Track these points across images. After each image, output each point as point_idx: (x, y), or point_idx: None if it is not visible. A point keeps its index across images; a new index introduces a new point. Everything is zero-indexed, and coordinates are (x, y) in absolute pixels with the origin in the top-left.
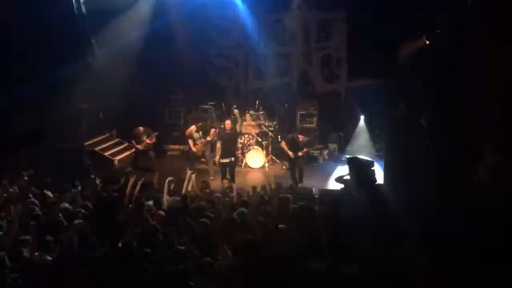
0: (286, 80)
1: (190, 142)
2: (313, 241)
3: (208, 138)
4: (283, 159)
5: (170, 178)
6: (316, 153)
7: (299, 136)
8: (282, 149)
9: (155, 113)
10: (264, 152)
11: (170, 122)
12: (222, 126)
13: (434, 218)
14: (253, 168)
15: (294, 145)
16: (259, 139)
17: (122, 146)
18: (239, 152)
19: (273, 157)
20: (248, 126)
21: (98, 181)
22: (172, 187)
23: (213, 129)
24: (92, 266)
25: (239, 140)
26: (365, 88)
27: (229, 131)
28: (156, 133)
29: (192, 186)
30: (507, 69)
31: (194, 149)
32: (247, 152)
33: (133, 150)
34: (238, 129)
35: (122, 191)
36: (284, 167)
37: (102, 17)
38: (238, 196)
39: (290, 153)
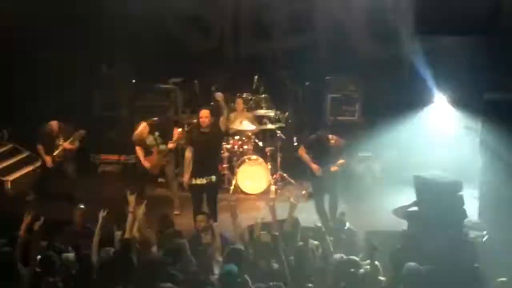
0: (307, 39)
1: (139, 149)
2: None
3: (171, 145)
4: (303, 177)
5: (104, 212)
6: (360, 167)
7: (331, 137)
8: (301, 160)
9: (78, 98)
10: (269, 166)
11: (103, 115)
12: (195, 121)
13: None
14: (250, 195)
15: (322, 153)
16: (260, 143)
17: (20, 157)
18: (224, 166)
19: (284, 175)
20: (241, 120)
21: None
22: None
23: (178, 128)
24: None
25: (225, 145)
26: (445, 50)
27: (207, 130)
28: (82, 131)
29: (141, 227)
30: None
31: (145, 162)
32: (238, 167)
33: (39, 163)
34: (223, 126)
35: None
36: (304, 192)
37: None
38: (222, 243)
39: (314, 167)
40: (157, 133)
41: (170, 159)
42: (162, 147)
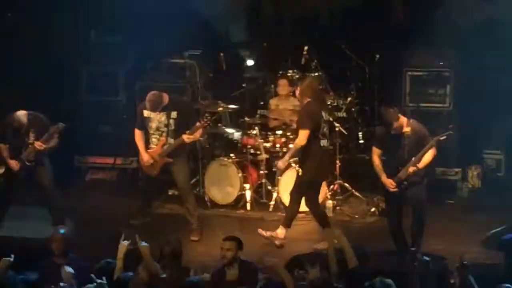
0: None
1: (139, 134)
2: None
3: (186, 136)
4: (372, 187)
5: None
6: (450, 172)
7: (406, 123)
8: (372, 166)
9: (56, 78)
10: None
11: (93, 101)
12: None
13: None
14: (299, 213)
15: (398, 152)
16: None
17: None
18: (261, 172)
19: (346, 185)
20: (285, 108)
21: None
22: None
23: (201, 122)
24: None
25: (263, 144)
26: None
27: None
28: (61, 125)
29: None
30: None
31: (145, 154)
32: (281, 174)
33: (2, 169)
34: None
35: None
36: (373, 208)
37: None
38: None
39: (387, 183)
40: (174, 114)
41: (182, 160)
42: (170, 141)
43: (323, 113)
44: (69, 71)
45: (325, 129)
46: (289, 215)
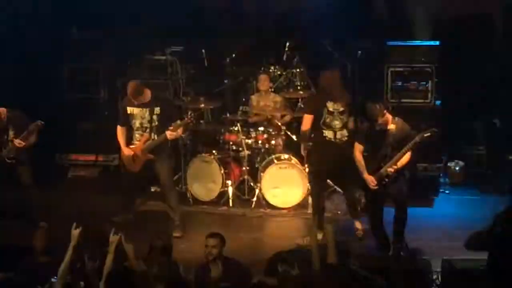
0: None
1: (121, 131)
2: None
3: (170, 134)
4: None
5: (77, 229)
6: (432, 168)
7: (390, 120)
8: (354, 162)
9: (40, 77)
10: (307, 169)
11: (74, 98)
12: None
13: None
14: (280, 209)
15: (381, 149)
16: (293, 137)
17: None
18: (244, 169)
19: (327, 181)
20: (266, 104)
21: None
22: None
23: (184, 119)
24: None
25: (245, 140)
26: None
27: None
28: (39, 122)
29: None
30: None
31: (127, 150)
32: (264, 170)
33: None
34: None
35: None
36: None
37: None
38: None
39: (369, 179)
40: (157, 110)
41: (165, 157)
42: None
43: (330, 104)
44: (50, 68)
45: (328, 120)
46: (313, 209)
